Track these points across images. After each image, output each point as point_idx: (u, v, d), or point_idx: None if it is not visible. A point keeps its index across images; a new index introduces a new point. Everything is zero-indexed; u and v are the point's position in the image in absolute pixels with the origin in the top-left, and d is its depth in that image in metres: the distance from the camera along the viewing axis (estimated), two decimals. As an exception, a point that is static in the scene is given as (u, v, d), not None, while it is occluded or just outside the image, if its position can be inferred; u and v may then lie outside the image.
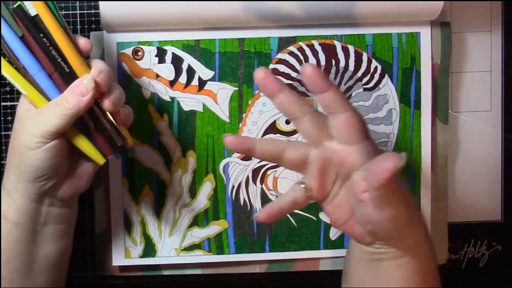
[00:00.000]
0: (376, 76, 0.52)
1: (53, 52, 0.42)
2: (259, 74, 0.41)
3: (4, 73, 0.42)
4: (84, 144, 0.44)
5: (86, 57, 0.44)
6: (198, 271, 0.53)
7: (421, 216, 0.43)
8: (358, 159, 0.40)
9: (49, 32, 0.42)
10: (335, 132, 0.41)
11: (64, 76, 0.43)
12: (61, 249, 0.45)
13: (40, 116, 0.41)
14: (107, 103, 0.43)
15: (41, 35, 0.42)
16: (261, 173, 0.52)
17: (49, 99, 0.43)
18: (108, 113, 0.44)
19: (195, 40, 0.51)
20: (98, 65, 0.43)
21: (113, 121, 0.44)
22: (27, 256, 0.43)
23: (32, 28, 0.42)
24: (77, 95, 0.41)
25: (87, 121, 0.43)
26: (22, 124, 0.42)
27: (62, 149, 0.42)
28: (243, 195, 0.52)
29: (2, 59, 0.42)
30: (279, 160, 0.42)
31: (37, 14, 0.42)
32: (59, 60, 0.42)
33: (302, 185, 0.42)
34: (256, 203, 0.52)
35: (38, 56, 0.42)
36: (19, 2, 0.42)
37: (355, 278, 0.45)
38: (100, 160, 0.44)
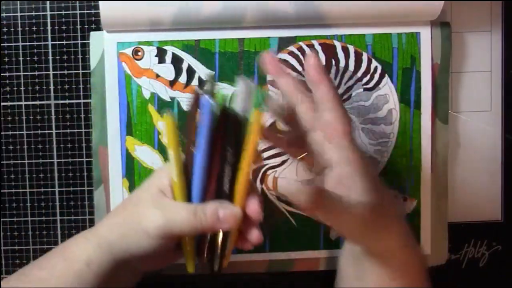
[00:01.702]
0: (376, 76, 0.52)
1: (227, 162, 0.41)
2: (264, 57, 0.43)
3: (169, 147, 0.40)
4: (188, 247, 0.42)
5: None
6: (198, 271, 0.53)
7: (400, 227, 0.43)
8: (332, 158, 0.41)
9: (241, 142, 0.41)
10: (320, 127, 0.42)
11: (221, 183, 0.41)
12: None
13: (172, 213, 0.40)
14: (256, 235, 0.42)
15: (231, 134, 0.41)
16: (261, 173, 0.52)
17: (188, 190, 0.41)
18: (223, 236, 0.42)
19: (195, 40, 0.51)
20: (257, 202, 0.42)
21: (223, 244, 0.43)
22: None
23: (230, 125, 0.41)
24: (216, 220, 0.40)
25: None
26: (148, 205, 0.41)
27: (169, 246, 0.41)
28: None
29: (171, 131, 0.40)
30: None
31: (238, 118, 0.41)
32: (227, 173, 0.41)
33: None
34: (256, 203, 0.52)
35: (213, 149, 0.41)
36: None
37: (344, 275, 0.46)
38: (191, 269, 0.43)
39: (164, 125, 0.39)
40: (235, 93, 0.41)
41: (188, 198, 0.41)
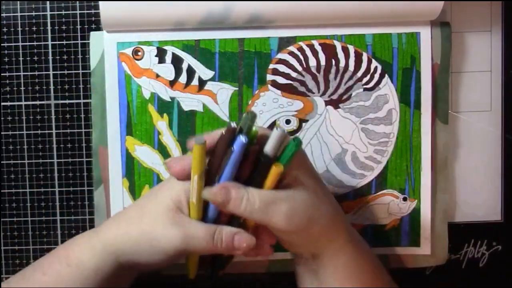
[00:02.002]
0: (376, 76, 0.52)
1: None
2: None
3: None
4: (193, 259, 0.44)
5: None
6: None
7: (345, 225, 0.45)
8: None
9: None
10: None
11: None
12: None
13: (191, 233, 0.40)
14: (260, 255, 0.43)
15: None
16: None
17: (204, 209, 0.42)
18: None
19: (195, 40, 0.51)
20: (272, 238, 0.43)
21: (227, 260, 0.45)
22: None
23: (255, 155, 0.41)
24: (230, 245, 0.40)
25: None
26: (167, 223, 0.40)
27: (170, 262, 0.42)
28: (243, 195, 0.52)
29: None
30: None
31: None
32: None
33: None
34: (256, 203, 0.52)
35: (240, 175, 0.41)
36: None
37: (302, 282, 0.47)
38: (192, 276, 0.44)
39: (193, 152, 0.39)
40: (266, 133, 0.41)
41: (203, 217, 0.42)
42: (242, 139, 0.39)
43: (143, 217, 0.41)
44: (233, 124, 0.40)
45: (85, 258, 0.41)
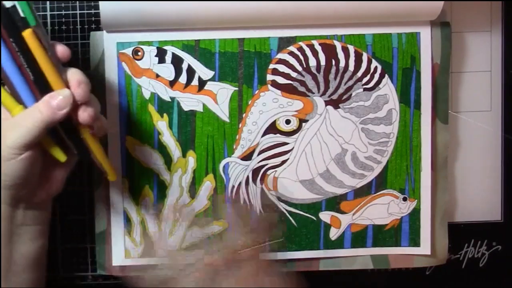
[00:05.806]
0: (376, 76, 0.52)
1: (21, 57, 0.41)
2: None
3: None
4: (46, 142, 0.43)
5: (63, 64, 0.43)
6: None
7: None
8: None
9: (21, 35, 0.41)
10: None
11: (37, 82, 0.42)
12: (38, 248, 0.46)
13: (16, 128, 0.41)
14: (84, 116, 0.42)
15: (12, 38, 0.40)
16: (261, 173, 0.52)
17: (19, 100, 0.42)
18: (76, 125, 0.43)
19: (195, 40, 0.51)
20: (76, 76, 0.42)
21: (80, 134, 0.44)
22: (6, 257, 0.44)
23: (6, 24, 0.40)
24: (53, 108, 0.41)
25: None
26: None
27: (36, 159, 0.42)
28: (243, 195, 0.52)
29: None
30: None
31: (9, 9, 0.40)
32: (27, 66, 0.41)
33: None
34: (256, 203, 0.52)
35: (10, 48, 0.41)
36: None
37: None
38: (62, 158, 0.44)
39: None
40: None
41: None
42: None
43: None
44: None
45: None
